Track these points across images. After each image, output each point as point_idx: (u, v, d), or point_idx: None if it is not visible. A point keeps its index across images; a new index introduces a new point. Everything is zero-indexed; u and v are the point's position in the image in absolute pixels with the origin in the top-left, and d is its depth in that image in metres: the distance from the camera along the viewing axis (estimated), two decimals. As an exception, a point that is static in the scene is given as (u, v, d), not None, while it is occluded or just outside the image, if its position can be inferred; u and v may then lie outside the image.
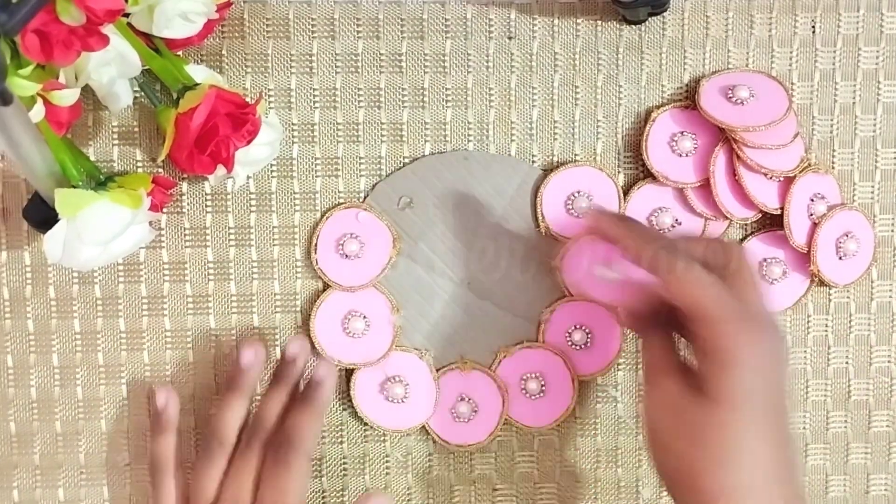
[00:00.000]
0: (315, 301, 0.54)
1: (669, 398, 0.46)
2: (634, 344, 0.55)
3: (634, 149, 0.54)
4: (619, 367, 0.56)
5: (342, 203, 0.54)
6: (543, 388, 0.54)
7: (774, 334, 0.45)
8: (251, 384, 0.52)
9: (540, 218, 0.54)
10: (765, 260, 0.55)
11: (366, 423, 0.55)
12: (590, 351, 0.55)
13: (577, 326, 0.54)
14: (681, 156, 0.53)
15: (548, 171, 0.54)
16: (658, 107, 0.54)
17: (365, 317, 0.54)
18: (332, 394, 0.53)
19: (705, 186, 0.54)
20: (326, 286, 0.54)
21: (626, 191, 0.54)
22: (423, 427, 0.55)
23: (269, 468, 0.49)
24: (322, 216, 0.53)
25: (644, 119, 0.54)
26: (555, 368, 0.54)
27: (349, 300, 0.54)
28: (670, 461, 0.46)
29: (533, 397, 0.54)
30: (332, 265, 0.53)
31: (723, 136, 0.53)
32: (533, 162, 0.54)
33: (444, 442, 0.55)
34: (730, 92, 0.53)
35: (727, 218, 0.54)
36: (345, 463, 0.55)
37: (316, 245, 0.53)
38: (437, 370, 0.55)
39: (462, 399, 0.54)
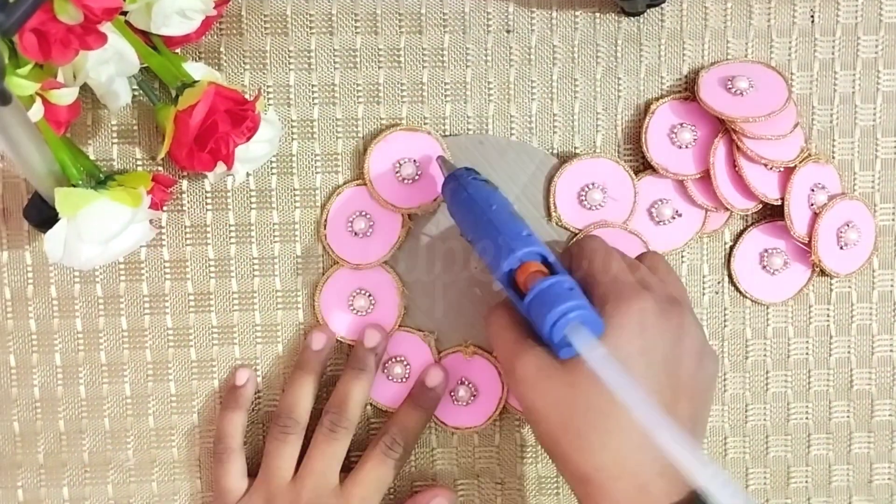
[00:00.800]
0: (318, 283, 0.54)
1: (540, 364, 0.42)
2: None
3: (634, 141, 0.54)
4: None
5: (354, 180, 0.53)
6: None
7: (652, 309, 0.43)
8: (322, 365, 0.53)
9: (552, 208, 0.54)
10: (766, 250, 0.55)
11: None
12: None
13: None
14: (680, 147, 0.53)
15: (563, 159, 0.54)
16: (657, 99, 0.54)
17: (370, 295, 0.54)
18: (381, 360, 0.54)
19: (705, 178, 0.54)
20: (334, 262, 0.54)
21: (627, 183, 0.54)
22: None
23: (322, 436, 0.51)
24: (333, 192, 0.53)
25: (643, 111, 0.54)
26: None
27: (356, 278, 0.54)
28: (546, 438, 0.43)
29: None
30: (341, 242, 0.53)
31: (722, 128, 0.53)
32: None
33: (441, 423, 0.55)
34: (729, 83, 0.53)
35: (727, 209, 0.54)
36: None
37: (325, 220, 0.53)
38: (440, 353, 0.55)
39: (462, 383, 0.55)
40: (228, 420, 0.53)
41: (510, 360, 0.44)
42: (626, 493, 0.41)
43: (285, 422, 0.52)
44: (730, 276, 0.55)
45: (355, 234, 0.53)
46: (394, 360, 0.54)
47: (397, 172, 0.53)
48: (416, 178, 0.53)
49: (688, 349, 0.44)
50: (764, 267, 0.55)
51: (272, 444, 0.52)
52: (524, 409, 0.44)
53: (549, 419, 0.42)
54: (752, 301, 0.55)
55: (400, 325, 0.54)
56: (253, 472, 0.53)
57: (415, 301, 0.54)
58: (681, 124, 0.53)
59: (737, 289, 0.55)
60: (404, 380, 0.54)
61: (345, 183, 0.54)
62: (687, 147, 0.54)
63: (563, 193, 0.54)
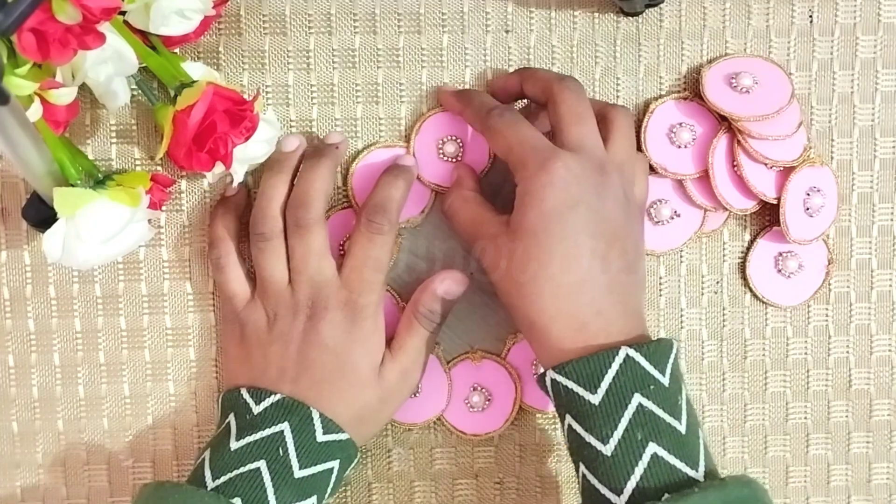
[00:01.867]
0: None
1: (493, 234, 0.49)
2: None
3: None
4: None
5: (339, 204, 0.54)
6: None
7: (563, 169, 0.46)
8: (292, 167, 0.52)
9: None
10: (780, 254, 0.55)
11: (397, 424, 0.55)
12: None
13: None
14: (679, 147, 0.53)
15: None
16: (656, 98, 0.54)
17: None
18: (343, 157, 0.53)
19: (704, 178, 0.54)
20: None
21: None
22: (426, 420, 0.55)
23: (361, 235, 0.50)
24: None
25: (642, 111, 0.54)
26: None
27: None
28: (500, 293, 0.49)
29: None
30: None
31: (723, 126, 0.53)
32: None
33: (461, 432, 0.55)
34: (733, 80, 0.53)
35: (726, 209, 0.54)
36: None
37: None
38: (448, 362, 0.55)
39: (475, 389, 0.55)
40: (218, 225, 0.52)
41: (474, 235, 0.50)
42: (566, 332, 0.46)
43: (261, 229, 0.50)
44: (745, 282, 0.55)
45: None
46: None
47: None
48: None
49: (612, 200, 0.47)
50: (779, 271, 0.55)
51: (255, 255, 0.50)
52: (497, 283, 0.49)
53: (498, 275, 0.48)
54: (772, 305, 0.55)
55: None
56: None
57: None
58: (680, 124, 0.54)
59: (755, 295, 0.55)
60: (417, 395, 0.54)
61: (331, 208, 0.53)
62: (686, 147, 0.54)
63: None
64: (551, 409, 0.54)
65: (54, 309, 0.54)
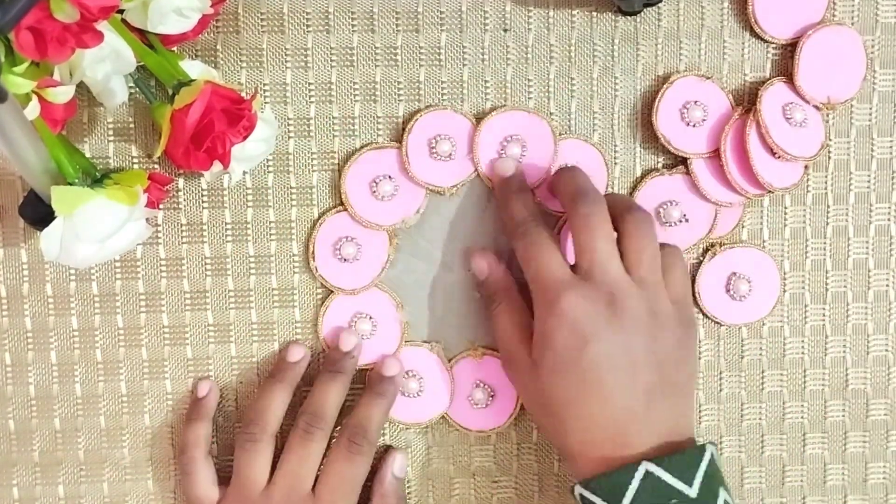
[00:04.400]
0: (315, 301, 0.54)
1: (520, 365, 0.50)
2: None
3: (631, 140, 0.54)
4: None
5: (335, 207, 0.53)
6: None
7: (588, 301, 0.46)
8: (296, 377, 0.53)
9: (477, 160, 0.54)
10: (734, 274, 0.55)
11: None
12: None
13: None
14: (688, 125, 0.53)
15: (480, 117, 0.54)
16: (677, 71, 0.54)
17: (371, 317, 0.54)
18: (399, 388, 0.54)
19: (709, 163, 0.54)
20: (329, 291, 0.54)
21: (632, 189, 0.54)
22: (430, 419, 0.55)
23: (340, 454, 0.51)
24: (315, 223, 0.53)
25: (662, 81, 0.54)
26: None
27: (353, 303, 0.54)
28: (540, 424, 0.51)
29: None
30: (333, 271, 0.53)
31: (740, 111, 0.53)
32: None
33: (466, 429, 0.55)
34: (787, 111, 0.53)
35: (739, 194, 0.54)
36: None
37: (314, 253, 0.53)
38: (450, 360, 0.55)
39: (478, 385, 0.55)
40: (191, 430, 0.52)
41: (505, 351, 0.52)
42: (592, 453, 0.47)
43: (252, 429, 0.51)
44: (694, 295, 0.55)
45: (345, 259, 0.53)
46: (406, 375, 0.54)
47: (374, 191, 0.53)
48: (394, 193, 0.53)
49: (630, 324, 0.47)
50: (728, 291, 0.55)
51: (240, 452, 0.51)
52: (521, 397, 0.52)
53: (526, 397, 0.51)
54: (714, 322, 0.56)
55: (405, 342, 0.54)
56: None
57: (415, 314, 0.54)
58: (695, 102, 0.53)
59: (699, 308, 0.55)
60: (420, 394, 0.54)
61: (325, 212, 0.53)
62: (694, 126, 0.53)
63: (485, 142, 0.53)
64: None
65: (51, 307, 0.54)
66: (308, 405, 0.52)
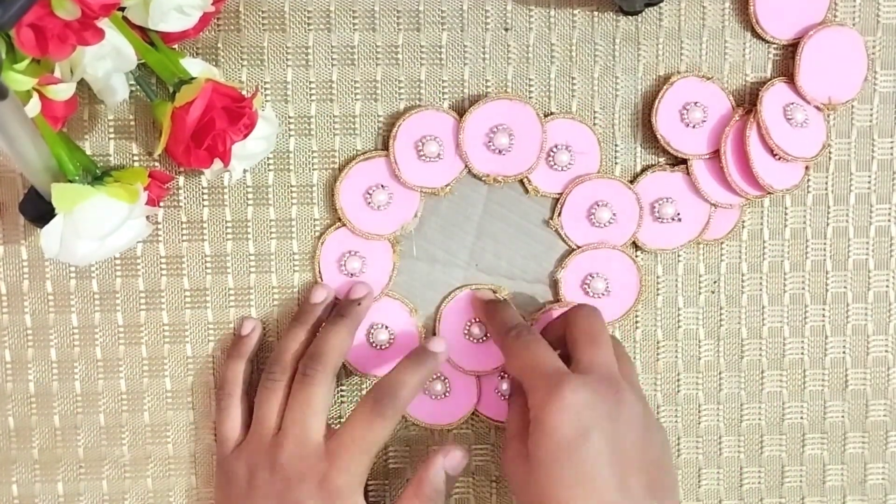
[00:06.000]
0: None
1: (516, 459, 0.47)
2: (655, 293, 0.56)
3: (631, 140, 0.54)
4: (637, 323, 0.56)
5: (335, 224, 0.54)
6: None
7: (581, 392, 0.45)
8: (318, 320, 0.53)
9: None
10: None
11: (408, 421, 0.55)
12: (610, 298, 0.55)
13: (594, 275, 0.54)
14: (688, 126, 0.53)
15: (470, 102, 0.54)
16: (677, 73, 0.54)
17: (387, 327, 0.54)
18: (365, 314, 0.53)
19: (709, 164, 0.54)
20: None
21: (632, 180, 0.54)
22: (460, 419, 0.55)
23: (362, 413, 0.49)
24: (318, 240, 0.54)
25: (661, 82, 0.54)
26: None
27: (367, 315, 0.54)
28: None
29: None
30: (342, 288, 0.54)
31: (740, 112, 0.53)
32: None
33: (499, 423, 0.55)
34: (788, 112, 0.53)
35: (739, 195, 0.54)
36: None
37: (320, 273, 0.54)
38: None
39: (502, 377, 0.55)
40: (230, 367, 0.53)
41: (504, 437, 0.50)
42: None
43: (273, 369, 0.51)
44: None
45: (351, 274, 0.54)
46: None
47: (369, 202, 0.53)
48: (390, 201, 0.53)
49: (627, 422, 0.46)
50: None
51: (261, 392, 0.51)
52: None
53: (521, 490, 0.47)
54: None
55: (386, 294, 0.54)
56: None
57: (430, 318, 0.55)
58: (695, 103, 0.53)
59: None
60: (447, 395, 0.54)
61: (324, 231, 0.54)
62: (694, 127, 0.53)
63: (471, 137, 0.53)
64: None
65: (51, 304, 0.54)
66: (308, 350, 0.51)
